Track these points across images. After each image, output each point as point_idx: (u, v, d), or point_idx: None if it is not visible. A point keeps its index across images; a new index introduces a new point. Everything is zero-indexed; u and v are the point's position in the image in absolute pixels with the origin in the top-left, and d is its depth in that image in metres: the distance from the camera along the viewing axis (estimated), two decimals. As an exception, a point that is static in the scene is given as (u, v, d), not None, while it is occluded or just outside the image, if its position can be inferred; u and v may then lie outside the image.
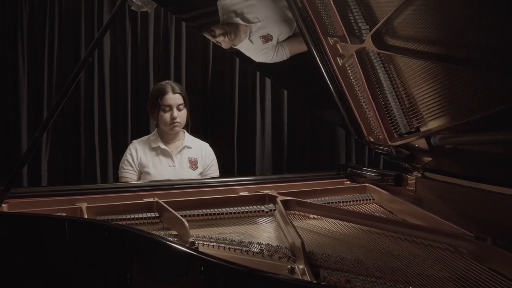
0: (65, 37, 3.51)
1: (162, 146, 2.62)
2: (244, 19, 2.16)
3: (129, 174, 2.60)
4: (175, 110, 2.55)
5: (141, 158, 2.60)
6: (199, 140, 2.76)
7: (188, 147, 2.67)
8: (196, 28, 2.39)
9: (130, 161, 2.61)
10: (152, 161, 2.61)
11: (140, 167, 2.60)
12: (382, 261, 1.37)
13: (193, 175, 2.62)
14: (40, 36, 3.46)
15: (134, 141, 2.70)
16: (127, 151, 2.65)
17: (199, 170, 2.66)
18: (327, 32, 1.89)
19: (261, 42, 2.19)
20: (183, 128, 2.67)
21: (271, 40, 2.17)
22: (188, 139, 2.70)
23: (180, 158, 2.64)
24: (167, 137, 2.65)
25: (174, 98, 2.56)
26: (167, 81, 2.70)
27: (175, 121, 2.55)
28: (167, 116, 2.55)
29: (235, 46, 2.24)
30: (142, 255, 1.41)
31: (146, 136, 2.72)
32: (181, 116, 2.58)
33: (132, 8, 2.15)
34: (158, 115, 2.58)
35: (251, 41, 2.20)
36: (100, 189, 2.01)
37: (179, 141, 2.68)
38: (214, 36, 2.22)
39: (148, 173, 2.58)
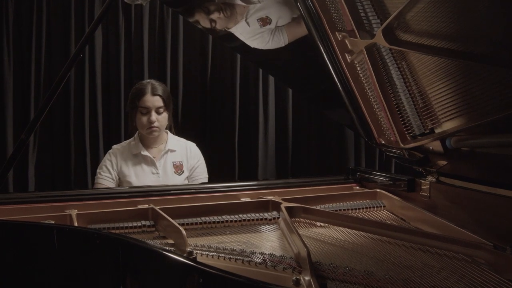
0: (53, 31, 3.52)
1: (143, 152, 2.58)
2: None
3: (106, 181, 2.56)
4: (153, 113, 2.50)
5: (121, 167, 2.57)
6: (185, 140, 2.72)
7: (172, 151, 2.63)
8: (190, 16, 2.35)
9: (109, 167, 2.57)
10: (133, 170, 2.57)
11: (121, 175, 2.57)
12: (394, 272, 1.38)
13: (178, 181, 2.59)
14: (26, 31, 3.47)
15: (114, 147, 2.66)
16: (106, 156, 2.63)
17: (185, 174, 2.63)
18: (335, 27, 1.90)
19: (258, 25, 2.12)
20: (166, 129, 2.64)
21: (270, 23, 2.11)
22: (171, 141, 2.66)
23: (163, 164, 2.60)
24: (148, 141, 2.61)
25: (153, 100, 2.51)
26: (149, 80, 2.67)
27: (152, 125, 2.51)
28: (144, 119, 2.52)
29: (229, 29, 2.19)
30: (137, 266, 1.41)
31: (126, 141, 2.68)
32: (160, 120, 2.53)
33: (125, 0, 2.16)
34: (136, 117, 2.55)
35: (247, 23, 2.14)
36: (91, 195, 2.00)
37: (162, 145, 2.64)
38: (209, 13, 2.15)
39: (129, 182, 2.55)
